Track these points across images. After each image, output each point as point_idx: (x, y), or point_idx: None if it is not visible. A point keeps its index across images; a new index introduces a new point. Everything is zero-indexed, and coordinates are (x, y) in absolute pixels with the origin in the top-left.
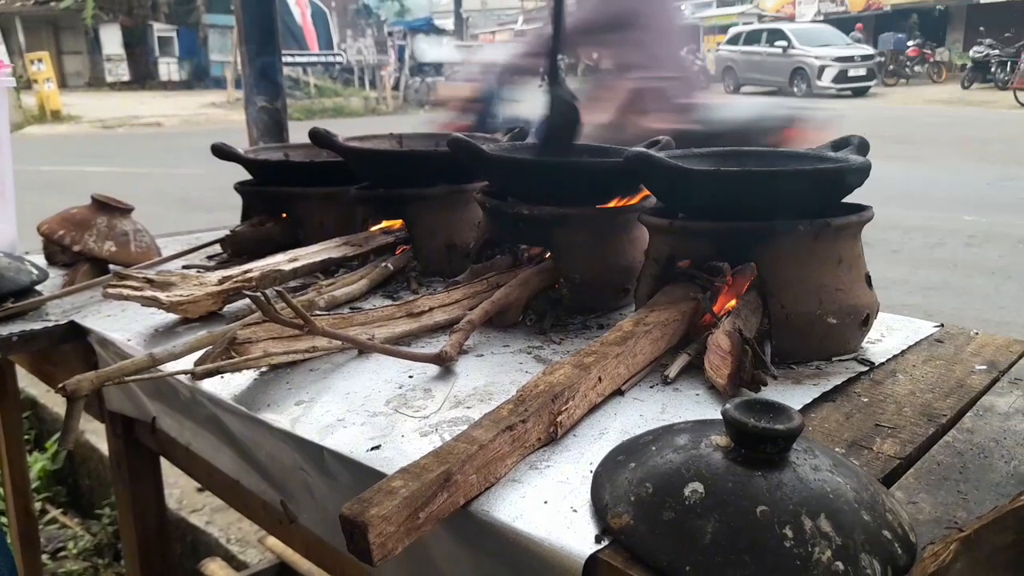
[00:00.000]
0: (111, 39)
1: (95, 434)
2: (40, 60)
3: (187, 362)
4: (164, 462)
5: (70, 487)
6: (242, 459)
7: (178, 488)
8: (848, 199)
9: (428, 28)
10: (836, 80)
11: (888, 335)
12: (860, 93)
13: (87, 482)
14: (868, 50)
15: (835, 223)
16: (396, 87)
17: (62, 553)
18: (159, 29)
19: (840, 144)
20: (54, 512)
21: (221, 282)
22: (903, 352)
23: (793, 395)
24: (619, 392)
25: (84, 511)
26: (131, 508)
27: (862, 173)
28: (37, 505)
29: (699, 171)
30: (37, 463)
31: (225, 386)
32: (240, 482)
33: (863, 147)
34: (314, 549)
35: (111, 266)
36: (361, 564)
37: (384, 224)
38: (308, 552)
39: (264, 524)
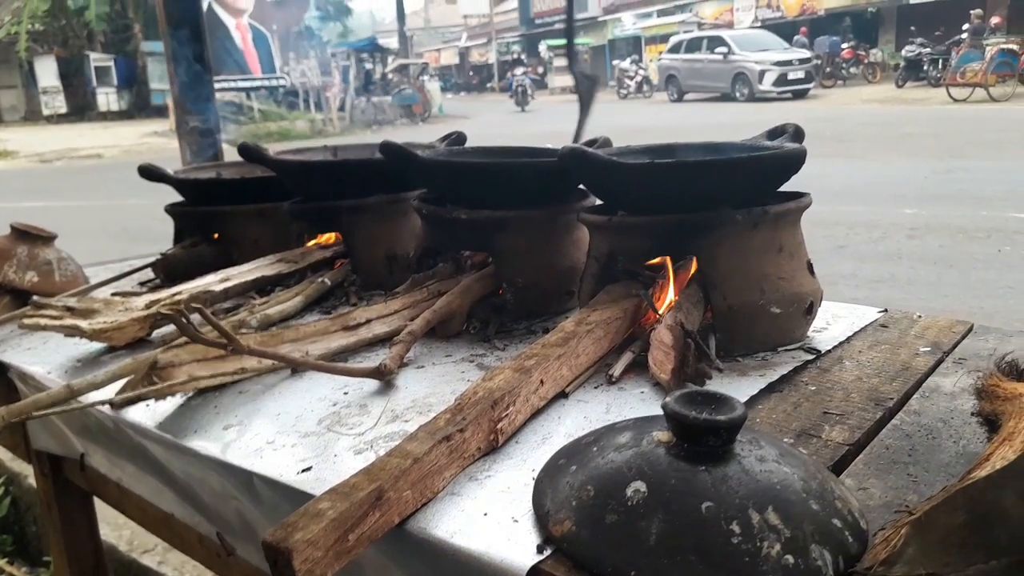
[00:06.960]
0: (46, 71)
1: None
2: None
3: (110, 392)
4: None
5: (16, 535)
6: (174, 491)
7: (128, 528)
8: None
9: (372, 48)
10: (776, 84)
11: (834, 323)
12: (800, 95)
13: (33, 529)
14: (805, 54)
15: (773, 210)
16: (342, 108)
17: None
18: (96, 59)
19: (775, 132)
20: (0, 562)
21: (148, 306)
22: (849, 339)
23: (739, 387)
24: (563, 394)
25: (32, 559)
26: (64, 553)
27: (797, 159)
28: None
29: (632, 164)
30: None
31: (151, 415)
32: (175, 515)
33: (798, 135)
34: None
35: (35, 297)
36: None
37: (321, 239)
38: None
39: (202, 559)
